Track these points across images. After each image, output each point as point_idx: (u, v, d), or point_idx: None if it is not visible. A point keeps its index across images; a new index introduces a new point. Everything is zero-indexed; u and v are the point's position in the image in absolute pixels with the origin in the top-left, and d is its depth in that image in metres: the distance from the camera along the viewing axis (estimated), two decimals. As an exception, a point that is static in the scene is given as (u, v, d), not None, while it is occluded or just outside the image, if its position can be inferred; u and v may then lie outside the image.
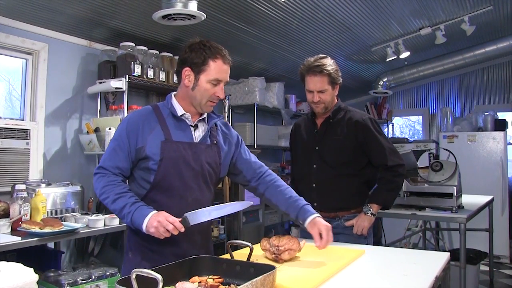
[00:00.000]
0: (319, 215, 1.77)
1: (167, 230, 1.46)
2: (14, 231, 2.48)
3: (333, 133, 2.34)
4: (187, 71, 1.66)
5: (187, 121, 1.72)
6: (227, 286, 1.24)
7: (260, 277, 1.15)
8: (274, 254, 1.66)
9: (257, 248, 1.85)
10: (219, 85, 1.67)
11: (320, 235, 1.69)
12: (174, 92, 1.77)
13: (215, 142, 1.77)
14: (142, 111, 1.73)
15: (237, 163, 1.87)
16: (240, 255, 1.62)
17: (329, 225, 1.73)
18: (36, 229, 2.41)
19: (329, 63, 2.24)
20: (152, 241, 1.58)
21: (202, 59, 1.63)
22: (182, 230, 1.48)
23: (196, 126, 1.74)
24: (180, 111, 1.70)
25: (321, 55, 2.29)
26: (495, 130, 5.60)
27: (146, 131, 1.64)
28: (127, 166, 1.65)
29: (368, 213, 2.29)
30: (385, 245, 4.24)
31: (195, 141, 1.71)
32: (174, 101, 1.73)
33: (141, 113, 1.71)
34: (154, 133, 1.65)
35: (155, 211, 1.52)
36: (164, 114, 1.70)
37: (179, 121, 1.71)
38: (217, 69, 1.65)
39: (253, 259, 1.48)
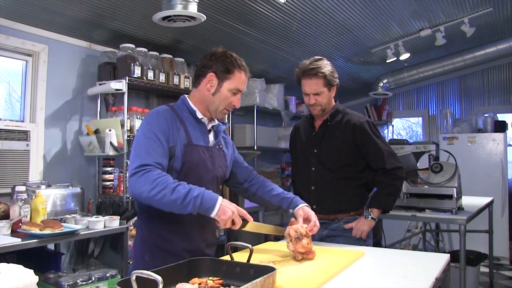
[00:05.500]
0: (308, 205, 1.90)
1: (233, 223, 1.55)
2: (14, 232, 2.48)
3: (331, 136, 2.33)
4: (211, 76, 1.71)
5: (205, 124, 1.76)
6: (227, 288, 1.25)
7: (260, 278, 1.15)
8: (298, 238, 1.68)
9: (257, 250, 1.85)
10: (237, 95, 1.76)
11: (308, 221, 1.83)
12: (187, 95, 1.79)
13: (221, 146, 1.84)
14: (164, 110, 1.70)
15: (233, 167, 1.95)
16: (240, 256, 1.62)
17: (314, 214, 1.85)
18: (36, 230, 2.41)
19: (324, 65, 2.23)
20: (173, 243, 1.66)
21: (229, 68, 1.70)
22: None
23: (209, 131, 1.79)
24: (199, 114, 1.74)
25: (316, 57, 2.29)
26: (495, 131, 5.60)
27: (174, 130, 1.66)
28: (166, 163, 1.61)
29: (368, 217, 2.28)
30: (385, 247, 4.24)
31: (210, 145, 1.76)
32: (192, 104, 1.75)
33: (165, 112, 1.69)
34: (180, 133, 1.66)
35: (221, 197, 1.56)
36: (182, 116, 1.71)
37: (199, 123, 1.74)
38: (240, 79, 1.75)
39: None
